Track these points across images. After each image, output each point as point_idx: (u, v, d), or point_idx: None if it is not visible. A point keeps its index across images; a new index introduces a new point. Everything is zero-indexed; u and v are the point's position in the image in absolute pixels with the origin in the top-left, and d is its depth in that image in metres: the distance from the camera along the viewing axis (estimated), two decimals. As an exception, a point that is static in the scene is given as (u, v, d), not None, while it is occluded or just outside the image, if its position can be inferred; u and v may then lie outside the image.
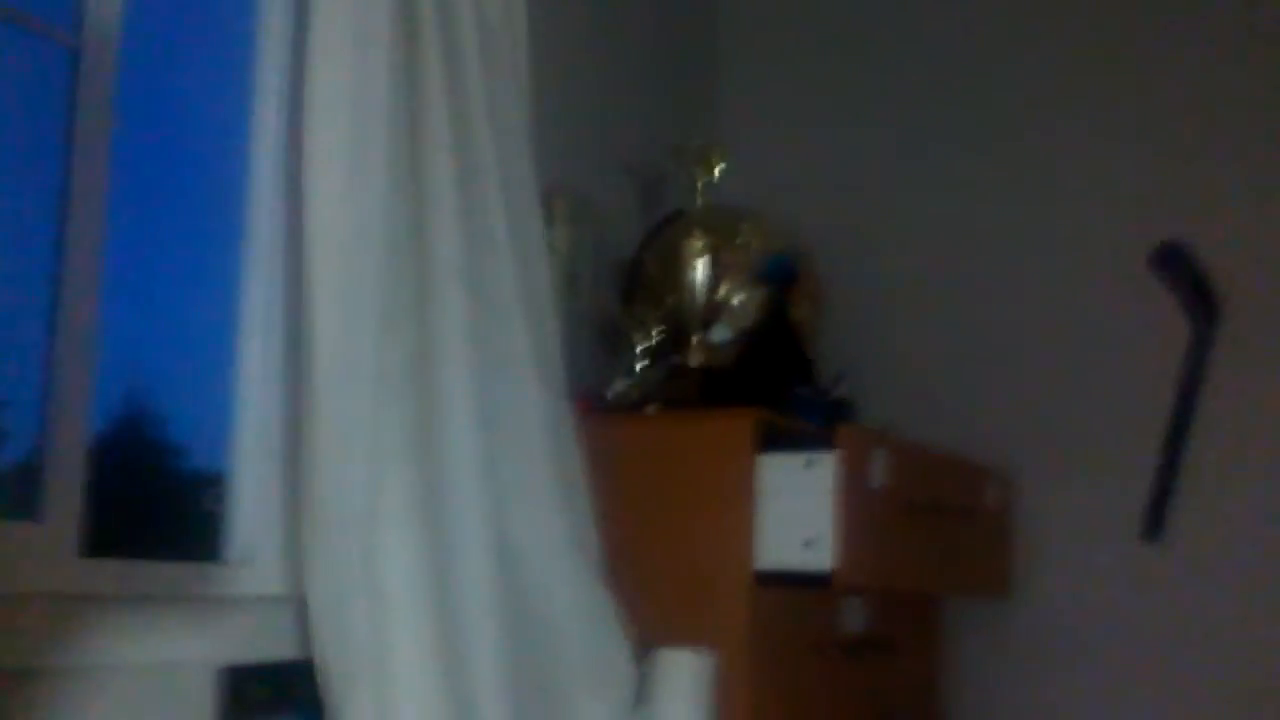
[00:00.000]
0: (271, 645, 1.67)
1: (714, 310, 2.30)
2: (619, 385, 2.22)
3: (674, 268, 2.31)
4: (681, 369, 2.25)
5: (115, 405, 1.68)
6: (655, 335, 2.28)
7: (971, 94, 2.82)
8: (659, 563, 2.02)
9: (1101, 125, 2.69)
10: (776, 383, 2.20)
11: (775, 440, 2.02)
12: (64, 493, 1.52)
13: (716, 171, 2.38)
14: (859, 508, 1.99)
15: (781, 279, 2.31)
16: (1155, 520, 2.55)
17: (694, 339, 2.28)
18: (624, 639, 1.90)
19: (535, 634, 1.66)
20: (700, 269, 2.29)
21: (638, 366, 2.24)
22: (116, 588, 1.54)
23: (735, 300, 2.30)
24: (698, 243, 2.30)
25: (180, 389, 1.81)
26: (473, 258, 1.74)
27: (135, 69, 1.64)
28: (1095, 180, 2.69)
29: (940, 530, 2.27)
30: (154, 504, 1.78)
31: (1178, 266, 2.57)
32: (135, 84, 1.65)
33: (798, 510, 1.97)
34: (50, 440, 1.52)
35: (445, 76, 1.74)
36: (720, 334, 2.26)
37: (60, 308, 1.53)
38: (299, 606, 1.66)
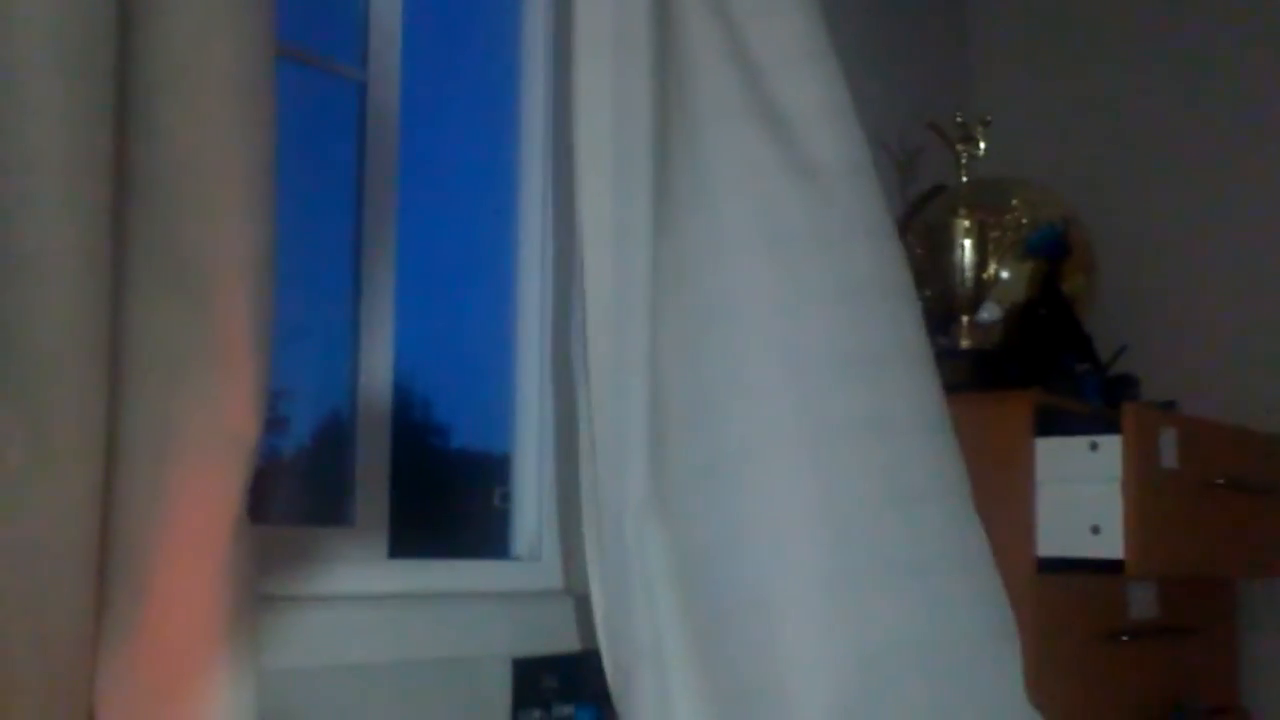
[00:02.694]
0: (559, 637, 1.73)
1: (982, 289, 2.22)
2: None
3: (938, 246, 2.24)
4: (950, 352, 2.19)
5: (407, 408, 1.77)
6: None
7: (1249, 37, 2.62)
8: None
9: None
10: (1052, 361, 2.11)
11: (1054, 422, 1.94)
12: (373, 500, 1.62)
13: (981, 145, 2.29)
14: (1149, 490, 1.89)
15: (1052, 251, 2.21)
16: None
17: (962, 320, 2.21)
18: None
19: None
20: (967, 246, 2.21)
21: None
22: (418, 587, 1.63)
23: (1004, 276, 2.22)
24: (964, 219, 2.22)
25: (457, 389, 1.89)
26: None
27: (410, 84, 1.73)
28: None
29: (1237, 509, 2.14)
30: (444, 504, 1.86)
31: None
32: (411, 98, 1.73)
33: (1082, 495, 1.89)
34: (359, 451, 1.62)
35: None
36: (990, 313, 2.18)
37: (361, 312, 1.63)
38: (582, 599, 1.71)
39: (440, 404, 1.87)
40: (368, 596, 1.55)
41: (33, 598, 1.06)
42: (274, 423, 1.54)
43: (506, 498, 1.84)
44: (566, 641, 1.74)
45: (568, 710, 1.73)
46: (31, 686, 1.08)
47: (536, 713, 1.70)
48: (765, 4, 1.67)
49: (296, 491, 1.64)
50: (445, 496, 1.86)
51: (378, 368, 1.64)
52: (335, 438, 1.64)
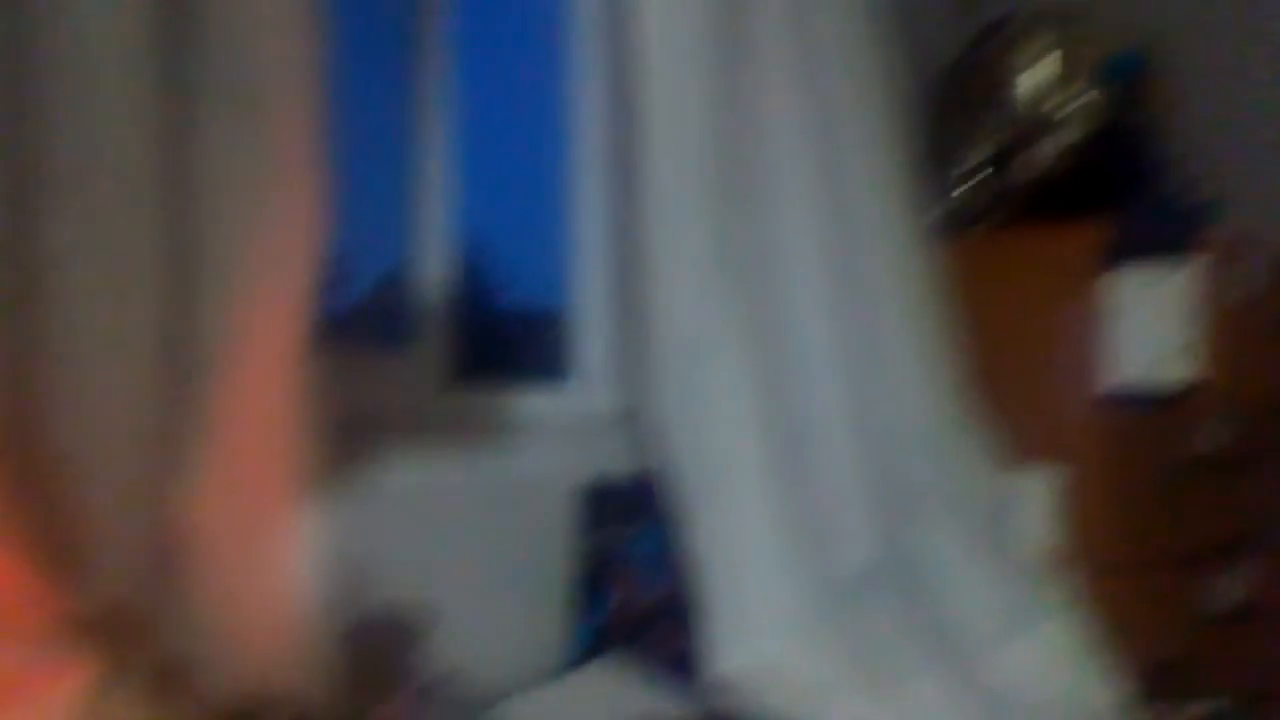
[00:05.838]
0: (621, 462, 1.76)
1: (1050, 118, 2.16)
2: (945, 206, 2.14)
3: (1004, 76, 2.18)
4: (1016, 184, 2.14)
5: (460, 250, 1.78)
6: (985, 151, 2.17)
7: None
8: (1005, 384, 1.96)
9: None
10: (1124, 191, 2.06)
11: (1126, 252, 1.90)
12: (429, 327, 1.65)
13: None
14: (1222, 319, 1.85)
15: (1126, 77, 2.14)
16: None
17: (1029, 150, 2.16)
18: (981, 455, 1.87)
19: (887, 447, 1.65)
20: (1036, 75, 2.15)
21: (964, 185, 2.15)
22: (482, 413, 1.66)
23: (1075, 105, 2.15)
24: (1033, 46, 2.15)
25: (511, 227, 1.90)
26: (804, 64, 1.69)
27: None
28: None
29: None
30: (502, 335, 1.89)
31: None
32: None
33: (1154, 325, 1.86)
34: (414, 282, 1.64)
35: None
36: (1060, 142, 2.12)
37: (418, 158, 1.64)
38: (643, 425, 1.73)
39: (502, 258, 1.88)
40: (433, 423, 1.58)
41: (109, 404, 1.10)
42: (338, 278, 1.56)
43: (562, 328, 1.85)
44: (630, 466, 1.77)
45: (633, 532, 1.77)
46: (112, 500, 1.13)
47: (602, 535, 1.74)
48: None
49: (363, 335, 1.67)
50: (504, 328, 1.88)
51: (432, 201, 1.65)
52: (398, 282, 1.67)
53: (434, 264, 1.65)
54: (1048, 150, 2.13)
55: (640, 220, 1.65)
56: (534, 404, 1.74)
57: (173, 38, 1.08)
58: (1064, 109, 2.15)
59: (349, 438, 1.38)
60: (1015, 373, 1.96)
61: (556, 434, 1.71)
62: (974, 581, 1.72)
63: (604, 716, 1.49)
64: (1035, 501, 1.87)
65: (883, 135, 1.75)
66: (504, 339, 1.88)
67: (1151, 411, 1.94)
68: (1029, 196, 2.10)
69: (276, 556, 1.17)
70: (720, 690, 1.55)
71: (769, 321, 1.60)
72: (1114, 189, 2.05)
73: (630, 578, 1.78)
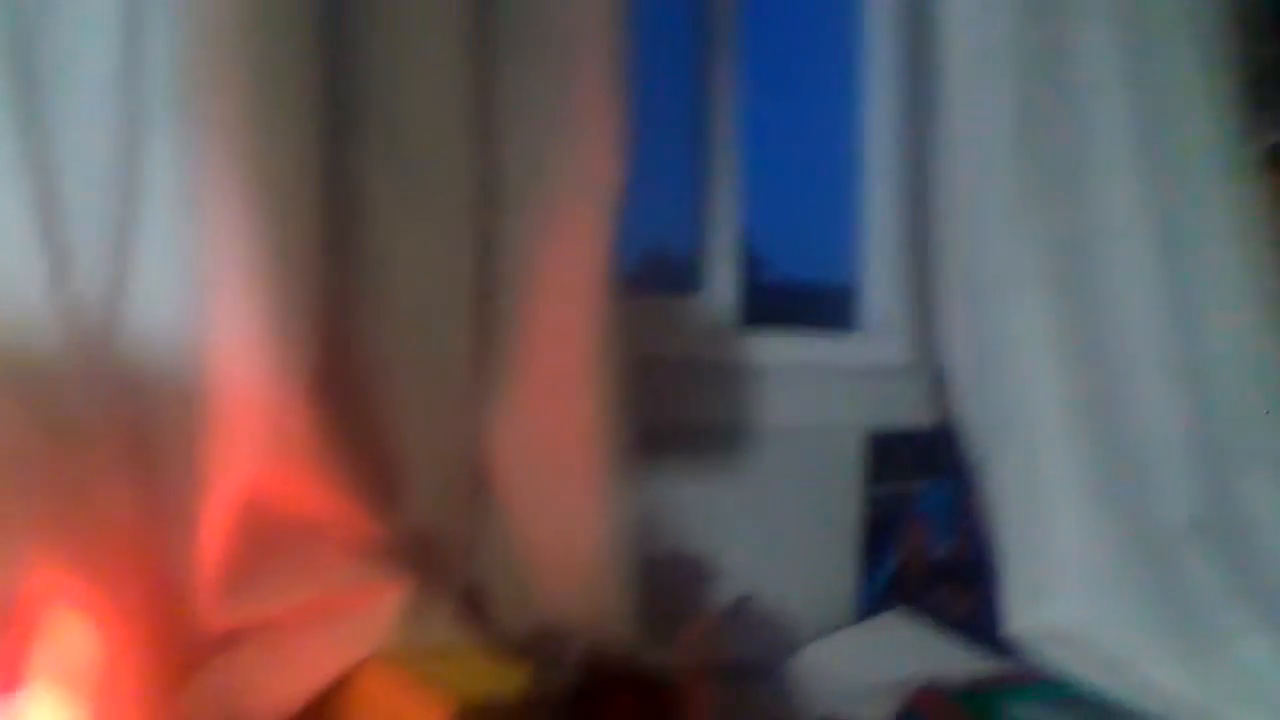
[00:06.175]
0: (910, 412, 1.71)
1: None
2: (1274, 138, 1.96)
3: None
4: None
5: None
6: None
7: None
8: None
9: None
10: None
11: None
12: (722, 271, 1.65)
13: None
14: None
15: None
16: None
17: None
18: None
19: (1210, 394, 1.52)
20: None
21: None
22: (771, 358, 1.64)
23: None
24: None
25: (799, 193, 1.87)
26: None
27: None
28: None
29: None
30: (790, 290, 1.86)
31: None
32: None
33: None
34: (709, 233, 1.64)
35: None
36: None
37: (708, 130, 1.64)
38: (934, 374, 1.68)
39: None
40: (716, 363, 1.58)
41: (421, 340, 1.15)
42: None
43: (855, 277, 1.81)
44: (919, 416, 1.71)
45: (922, 485, 1.72)
46: (424, 429, 1.17)
47: (888, 486, 1.70)
48: None
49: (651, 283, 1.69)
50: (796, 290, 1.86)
51: (724, 163, 1.64)
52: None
53: (724, 225, 1.65)
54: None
55: (937, 163, 1.59)
56: (823, 351, 1.71)
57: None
58: None
59: (642, 377, 1.39)
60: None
61: (845, 381, 1.68)
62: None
63: (891, 672, 1.45)
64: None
65: (1203, 55, 1.60)
66: (792, 294, 1.86)
67: None
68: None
69: (578, 492, 1.19)
70: (1016, 650, 1.48)
71: (1076, 260, 1.50)
72: None
73: (919, 531, 1.73)
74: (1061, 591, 1.44)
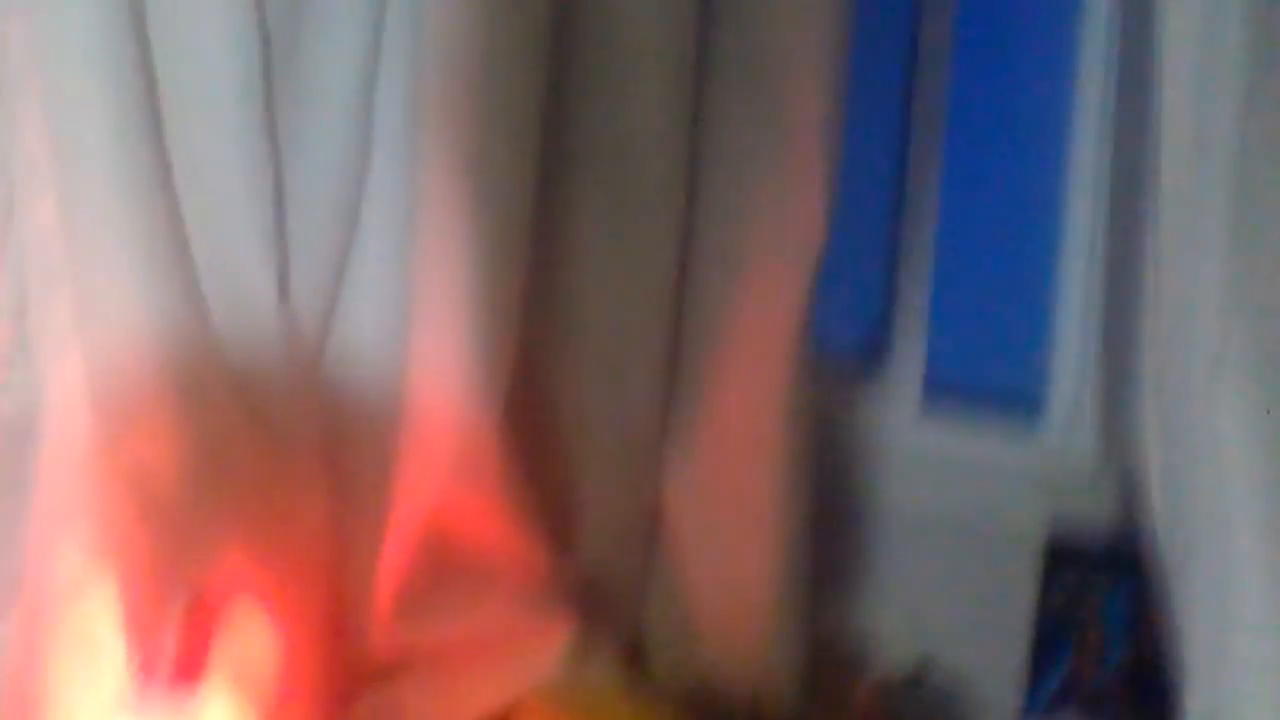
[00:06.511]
0: (1095, 514, 1.65)
1: None
2: None
3: None
4: None
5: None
6: None
7: None
8: None
9: None
10: None
11: None
12: (908, 351, 1.62)
13: None
14: None
15: None
16: None
17: None
18: None
19: None
20: None
21: None
22: (950, 447, 1.60)
23: None
24: None
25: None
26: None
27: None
28: None
29: None
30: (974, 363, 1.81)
31: None
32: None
33: None
34: (898, 311, 1.63)
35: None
36: None
37: (908, 203, 1.63)
38: (1123, 474, 1.61)
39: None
40: (905, 448, 1.55)
41: (612, 384, 1.16)
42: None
43: (1041, 368, 1.76)
44: (1102, 519, 1.65)
45: (1101, 592, 1.65)
46: (605, 474, 1.18)
47: (1067, 593, 1.64)
48: None
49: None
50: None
51: (918, 254, 1.63)
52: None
53: (914, 305, 1.63)
54: None
55: (1141, 239, 1.53)
56: (1006, 441, 1.67)
57: (700, 16, 1.10)
58: None
59: (823, 447, 1.38)
60: None
61: (1027, 476, 1.62)
62: None
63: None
64: None
65: None
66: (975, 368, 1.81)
67: None
68: None
69: (755, 552, 1.18)
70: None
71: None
72: None
73: (1093, 641, 1.66)
74: (1244, 714, 1.35)
